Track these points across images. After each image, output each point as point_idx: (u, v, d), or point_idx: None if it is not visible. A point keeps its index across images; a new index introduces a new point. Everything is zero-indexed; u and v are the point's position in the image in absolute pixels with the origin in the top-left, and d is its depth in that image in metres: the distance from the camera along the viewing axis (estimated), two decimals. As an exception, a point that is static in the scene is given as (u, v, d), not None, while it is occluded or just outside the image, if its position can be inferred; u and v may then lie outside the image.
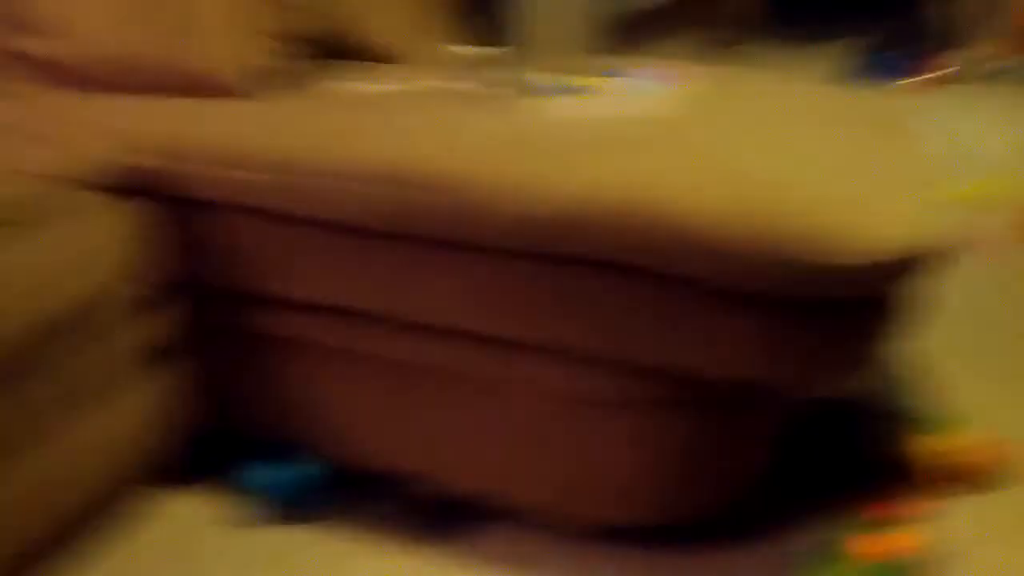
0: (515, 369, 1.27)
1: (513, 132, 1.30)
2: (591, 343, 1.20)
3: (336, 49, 1.76)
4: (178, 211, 1.33)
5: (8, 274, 1.11)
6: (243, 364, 1.43)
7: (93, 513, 1.34)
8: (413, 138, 1.29)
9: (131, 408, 1.33)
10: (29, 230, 1.16)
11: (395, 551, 1.37)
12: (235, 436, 1.48)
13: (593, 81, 1.51)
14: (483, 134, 1.29)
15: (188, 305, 1.36)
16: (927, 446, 1.43)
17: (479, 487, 1.38)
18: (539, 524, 1.37)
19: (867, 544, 1.26)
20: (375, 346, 1.34)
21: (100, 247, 1.24)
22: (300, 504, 1.42)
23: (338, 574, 1.33)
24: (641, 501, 1.32)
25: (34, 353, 1.14)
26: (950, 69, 3.61)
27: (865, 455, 1.47)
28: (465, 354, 1.29)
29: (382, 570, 1.34)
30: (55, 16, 1.60)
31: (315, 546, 1.38)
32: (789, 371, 1.18)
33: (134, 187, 1.30)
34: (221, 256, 1.35)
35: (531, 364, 1.26)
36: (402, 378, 1.35)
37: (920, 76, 3.59)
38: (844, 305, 1.15)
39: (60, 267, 1.18)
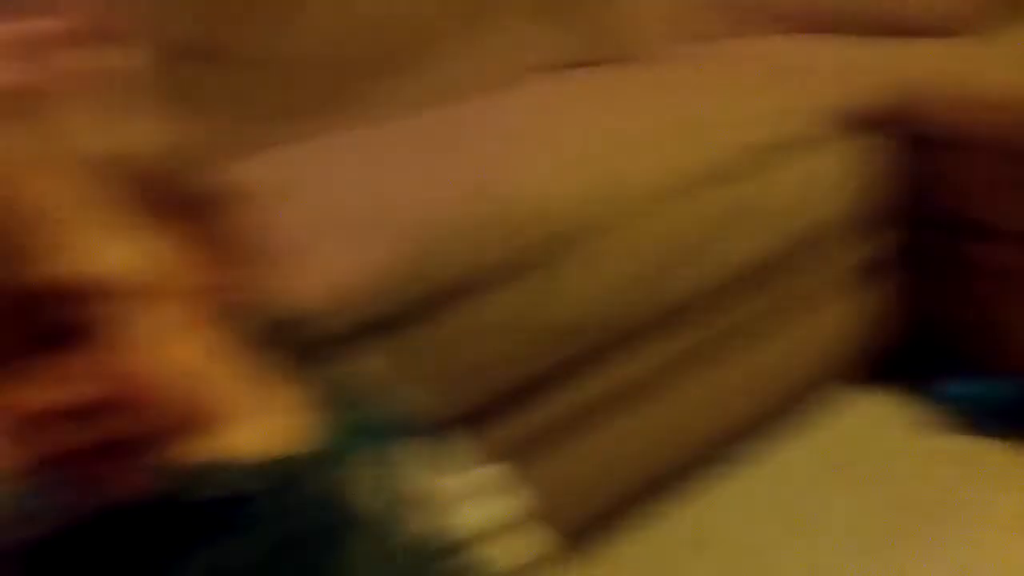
0: None
1: None
2: None
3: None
4: (905, 145, 1.41)
5: (757, 197, 1.25)
6: (948, 286, 1.49)
7: (795, 403, 1.50)
8: None
9: (837, 317, 1.49)
10: (777, 160, 1.30)
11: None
12: (929, 349, 1.55)
13: None
14: None
15: (900, 231, 1.46)
16: None
17: None
18: None
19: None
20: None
21: (833, 177, 1.38)
22: (987, 418, 1.48)
23: (1015, 487, 1.37)
24: None
25: (769, 265, 1.30)
26: None
27: None
28: None
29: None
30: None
31: (993, 457, 1.42)
32: None
33: (867, 123, 1.41)
34: (943, 188, 1.42)
35: None
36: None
37: None
38: None
39: (799, 193, 1.32)
